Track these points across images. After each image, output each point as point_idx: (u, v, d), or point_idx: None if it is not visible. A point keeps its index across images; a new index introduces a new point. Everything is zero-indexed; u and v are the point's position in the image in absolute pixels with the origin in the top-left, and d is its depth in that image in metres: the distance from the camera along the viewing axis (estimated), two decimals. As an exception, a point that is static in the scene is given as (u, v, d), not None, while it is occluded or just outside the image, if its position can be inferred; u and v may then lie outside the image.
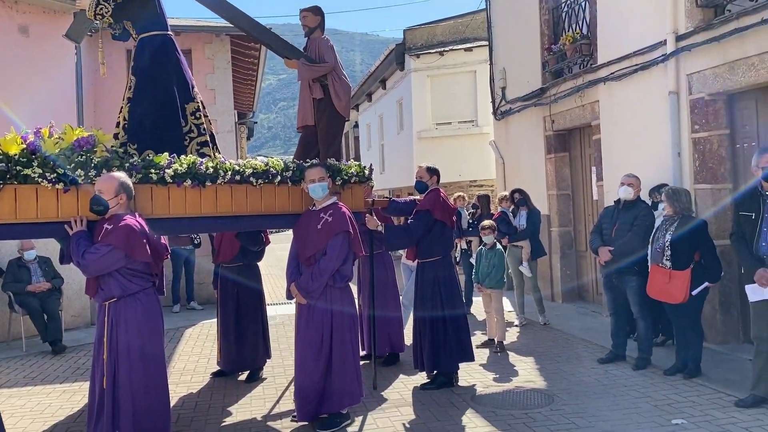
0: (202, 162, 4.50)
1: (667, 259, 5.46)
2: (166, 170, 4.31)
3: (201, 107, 5.14)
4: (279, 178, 4.84)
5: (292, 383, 5.65)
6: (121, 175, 4.10)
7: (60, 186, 3.97)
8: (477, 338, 7.20)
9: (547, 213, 9.48)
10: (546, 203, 9.53)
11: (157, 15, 5.00)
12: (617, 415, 4.69)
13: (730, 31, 5.95)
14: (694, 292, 5.37)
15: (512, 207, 8.20)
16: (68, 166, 3.98)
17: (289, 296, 4.84)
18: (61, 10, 8.76)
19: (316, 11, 5.73)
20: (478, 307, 8.37)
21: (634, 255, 5.86)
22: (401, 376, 6.05)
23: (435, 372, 5.67)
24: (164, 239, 4.56)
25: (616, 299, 6.15)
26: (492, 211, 9.47)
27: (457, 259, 9.28)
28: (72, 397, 5.77)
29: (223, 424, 4.95)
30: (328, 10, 6.28)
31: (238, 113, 15.50)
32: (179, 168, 4.36)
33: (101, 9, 4.85)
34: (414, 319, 5.82)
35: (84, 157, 4.08)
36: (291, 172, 4.91)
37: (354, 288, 5.51)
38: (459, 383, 5.67)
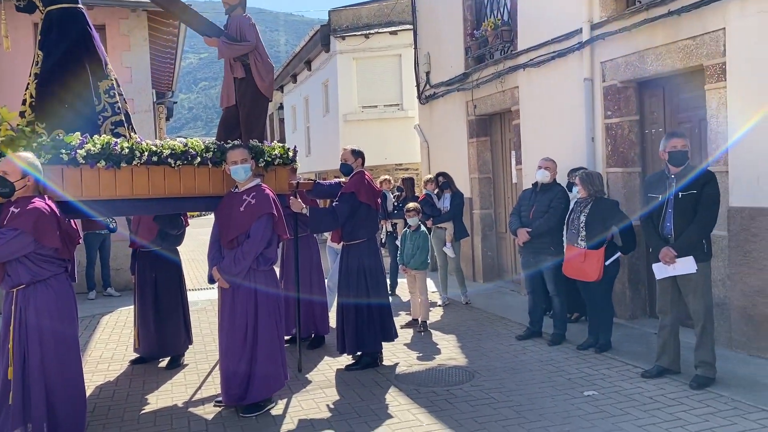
0: (116, 142, 4.34)
1: (582, 240, 5.70)
2: (78, 150, 4.13)
3: (116, 85, 4.93)
4: (199, 159, 4.72)
5: (215, 368, 5.58)
6: (28, 156, 3.89)
7: (-40, 166, 3.73)
8: (402, 318, 7.31)
9: (470, 196, 9.69)
10: (468, 186, 9.73)
11: (66, -14, 4.73)
12: (533, 389, 4.89)
13: (640, 21, 6.23)
14: (607, 262, 5.62)
15: (436, 190, 8.34)
16: (-32, 146, 3.75)
17: (211, 280, 4.75)
18: (-41, -23, 8.14)
19: (238, -12, 5.58)
20: (403, 288, 8.48)
21: (550, 236, 6.11)
22: (326, 358, 6.08)
23: (359, 353, 5.72)
24: (76, 223, 4.37)
25: (533, 278, 6.37)
26: (417, 194, 9.61)
27: (383, 241, 9.38)
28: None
29: (143, 412, 4.82)
30: (251, -12, 6.12)
31: (157, 93, 14.96)
32: (92, 148, 4.19)
33: (3, -22, 4.56)
34: (338, 303, 5.84)
35: (-14, 136, 3.85)
36: (212, 153, 4.79)
37: (278, 271, 5.47)
38: (383, 363, 5.75)
